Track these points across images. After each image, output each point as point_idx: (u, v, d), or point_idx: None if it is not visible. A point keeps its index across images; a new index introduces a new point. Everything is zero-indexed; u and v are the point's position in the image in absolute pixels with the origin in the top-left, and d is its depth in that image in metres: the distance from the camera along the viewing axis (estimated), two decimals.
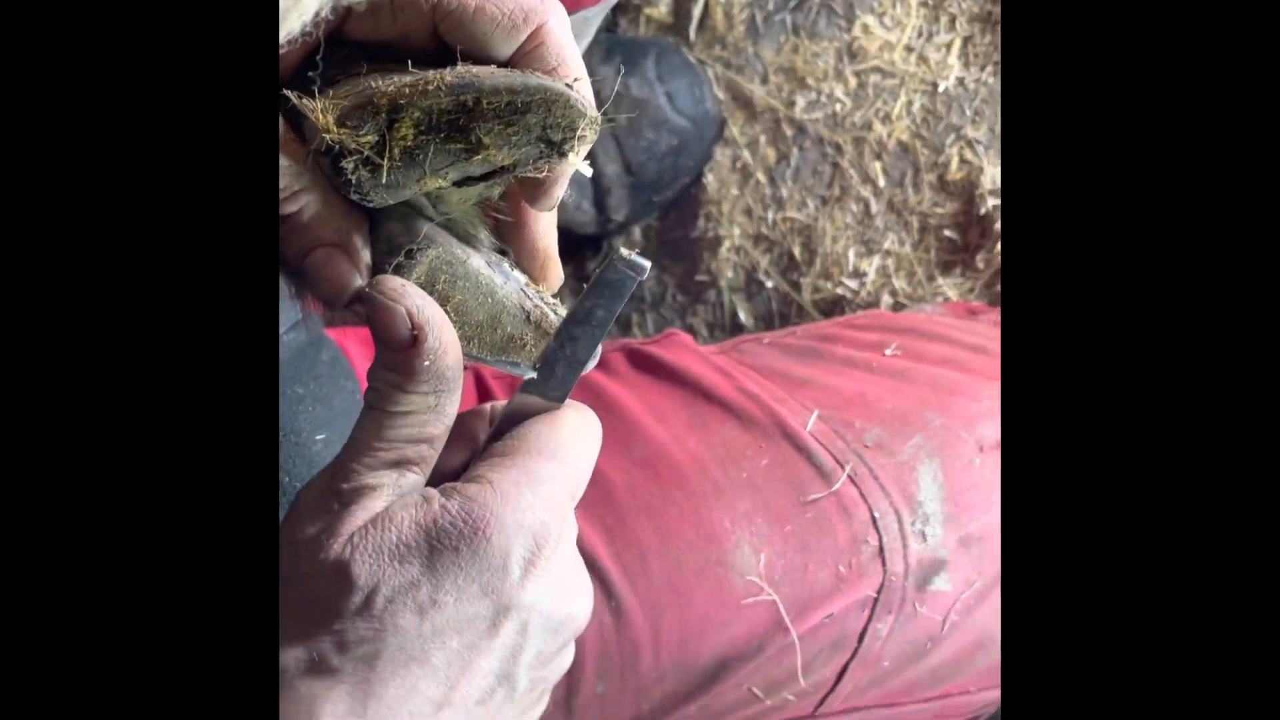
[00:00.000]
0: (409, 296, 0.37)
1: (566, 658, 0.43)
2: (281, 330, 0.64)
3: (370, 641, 0.36)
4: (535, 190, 0.41)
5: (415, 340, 0.37)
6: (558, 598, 0.39)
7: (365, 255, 0.40)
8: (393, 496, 0.39)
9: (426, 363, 0.37)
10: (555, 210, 0.44)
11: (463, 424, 0.43)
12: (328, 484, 0.39)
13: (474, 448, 0.43)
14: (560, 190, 0.42)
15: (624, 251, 0.39)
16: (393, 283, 0.38)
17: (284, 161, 0.37)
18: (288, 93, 0.37)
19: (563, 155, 0.38)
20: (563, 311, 0.43)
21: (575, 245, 1.14)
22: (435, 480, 0.41)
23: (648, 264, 0.40)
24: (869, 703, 0.68)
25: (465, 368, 0.44)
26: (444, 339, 0.38)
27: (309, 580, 0.37)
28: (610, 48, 1.05)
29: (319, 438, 0.65)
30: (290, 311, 0.66)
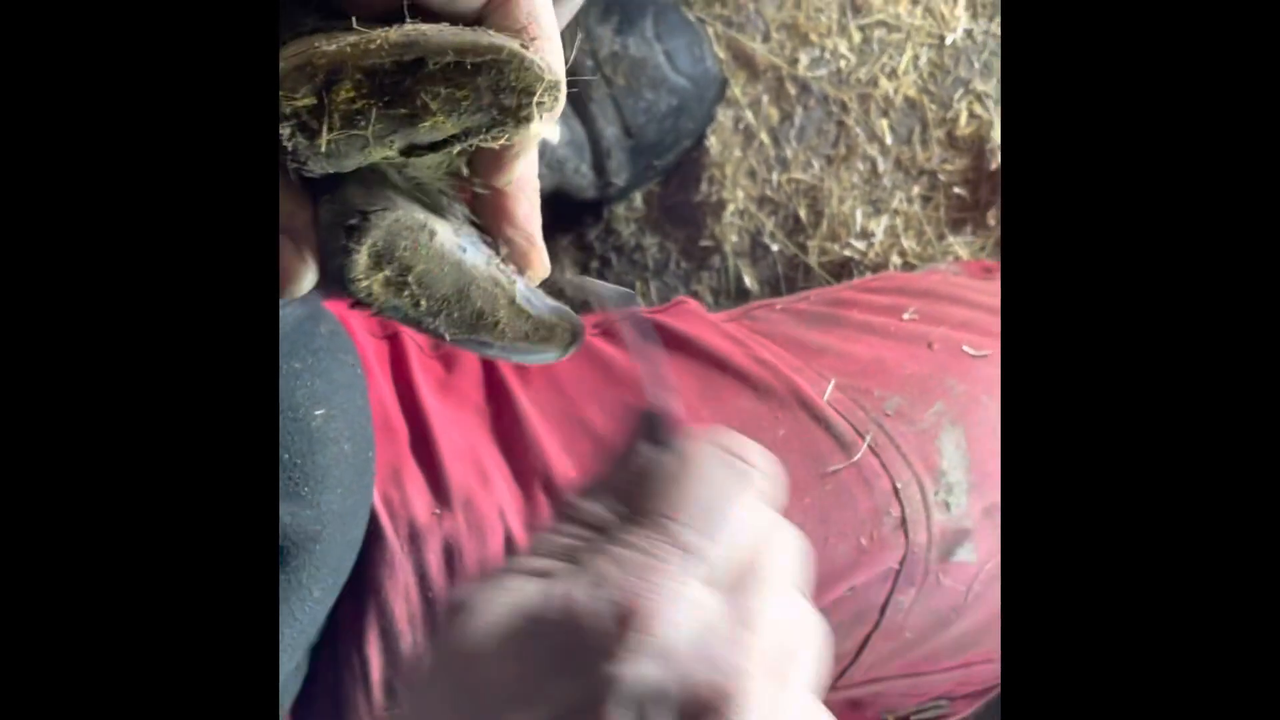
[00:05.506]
0: None
1: None
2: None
3: None
4: (493, 163, 0.36)
5: None
6: None
7: (314, 242, 0.35)
8: None
9: None
10: (535, 189, 0.38)
11: None
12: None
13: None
14: (522, 165, 0.36)
15: (604, 298, 0.38)
16: None
17: None
18: None
19: (519, 123, 0.33)
20: (537, 295, 0.39)
21: (575, 212, 1.11)
22: None
23: (629, 291, 0.39)
24: (891, 673, 0.66)
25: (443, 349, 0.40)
26: None
27: None
28: (608, 6, 1.02)
29: (318, 413, 0.62)
30: None
